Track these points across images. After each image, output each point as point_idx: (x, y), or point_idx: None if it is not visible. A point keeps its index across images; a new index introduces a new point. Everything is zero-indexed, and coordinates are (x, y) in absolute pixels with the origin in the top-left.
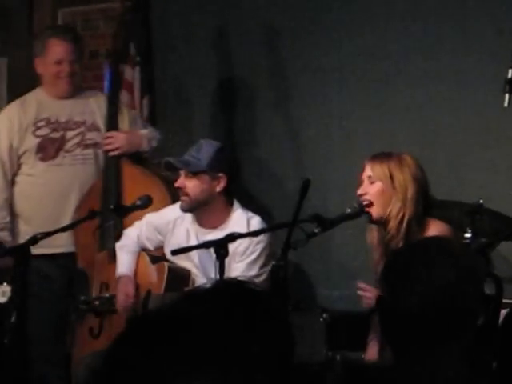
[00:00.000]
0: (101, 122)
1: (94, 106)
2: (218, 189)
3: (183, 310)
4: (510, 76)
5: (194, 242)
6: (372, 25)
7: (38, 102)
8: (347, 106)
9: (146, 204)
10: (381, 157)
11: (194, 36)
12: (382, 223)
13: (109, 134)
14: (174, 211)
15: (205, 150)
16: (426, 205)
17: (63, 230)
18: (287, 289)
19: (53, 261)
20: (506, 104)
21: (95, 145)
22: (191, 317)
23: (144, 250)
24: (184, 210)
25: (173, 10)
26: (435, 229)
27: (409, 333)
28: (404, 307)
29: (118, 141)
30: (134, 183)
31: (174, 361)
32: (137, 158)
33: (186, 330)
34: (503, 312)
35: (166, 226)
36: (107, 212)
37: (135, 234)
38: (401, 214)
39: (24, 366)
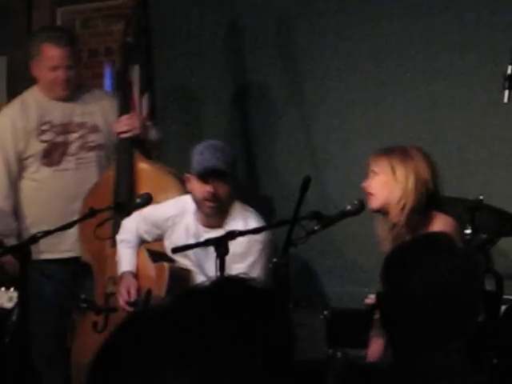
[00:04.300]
0: (101, 123)
1: (94, 107)
2: (235, 191)
3: (183, 308)
4: (509, 72)
5: (191, 240)
6: (371, 23)
7: (38, 104)
8: (347, 104)
9: (146, 202)
10: (383, 151)
11: (193, 33)
12: (385, 212)
13: (125, 116)
14: (173, 208)
15: (229, 153)
16: (431, 197)
17: (63, 228)
18: (288, 286)
19: (60, 264)
20: (505, 100)
21: (97, 147)
22: (190, 315)
23: (143, 241)
24: (212, 215)
25: (172, 6)
26: (441, 223)
27: (409, 329)
28: (404, 303)
29: (134, 122)
30: (149, 180)
31: (171, 358)
32: (148, 155)
33: (185, 327)
34: (503, 308)
35: (165, 222)
36: (107, 210)
37: (134, 226)
38: (402, 202)
39: (25, 365)
